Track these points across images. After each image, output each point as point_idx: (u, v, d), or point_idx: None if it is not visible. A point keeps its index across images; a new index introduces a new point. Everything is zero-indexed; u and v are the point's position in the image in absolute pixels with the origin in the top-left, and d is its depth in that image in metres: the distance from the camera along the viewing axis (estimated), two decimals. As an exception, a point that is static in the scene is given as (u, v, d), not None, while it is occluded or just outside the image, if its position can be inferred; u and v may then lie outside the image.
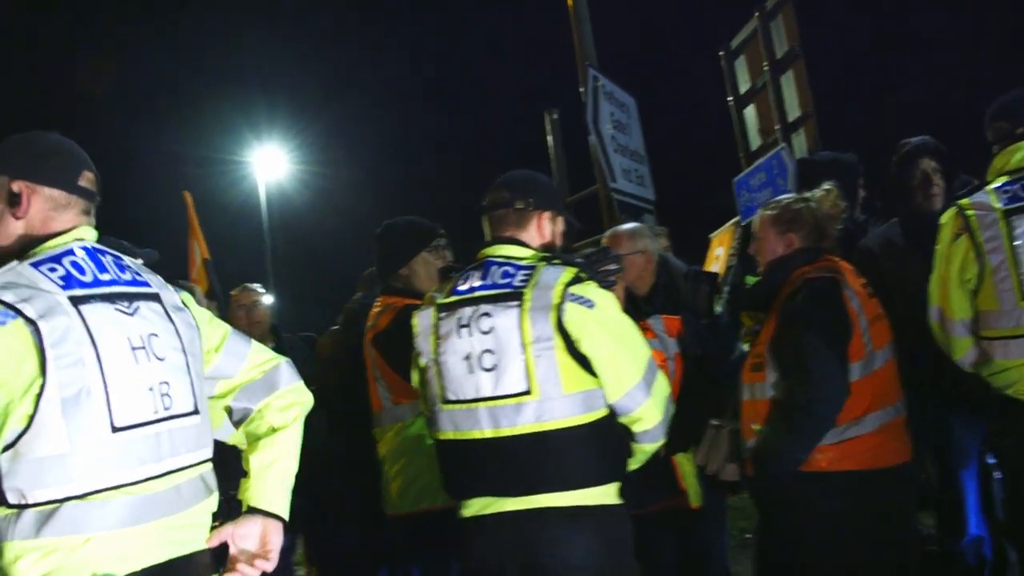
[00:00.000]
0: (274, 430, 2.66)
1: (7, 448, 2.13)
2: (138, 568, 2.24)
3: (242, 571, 2.51)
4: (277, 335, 6.08)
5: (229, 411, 2.69)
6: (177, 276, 5.45)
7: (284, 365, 2.76)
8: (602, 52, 9.18)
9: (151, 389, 2.32)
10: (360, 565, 5.11)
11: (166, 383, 2.36)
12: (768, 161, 7.18)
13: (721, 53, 8.68)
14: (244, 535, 2.53)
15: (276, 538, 2.57)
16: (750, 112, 8.51)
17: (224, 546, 2.50)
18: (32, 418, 2.13)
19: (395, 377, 3.88)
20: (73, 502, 2.16)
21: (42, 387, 2.13)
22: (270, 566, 2.54)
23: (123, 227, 4.07)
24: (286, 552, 4.90)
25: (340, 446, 5.09)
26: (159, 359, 2.36)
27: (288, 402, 2.70)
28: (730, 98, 8.69)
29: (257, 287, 6.16)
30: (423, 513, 3.88)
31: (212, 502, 2.50)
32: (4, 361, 2.12)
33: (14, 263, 2.27)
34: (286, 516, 2.62)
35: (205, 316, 2.66)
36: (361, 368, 4.18)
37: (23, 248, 2.35)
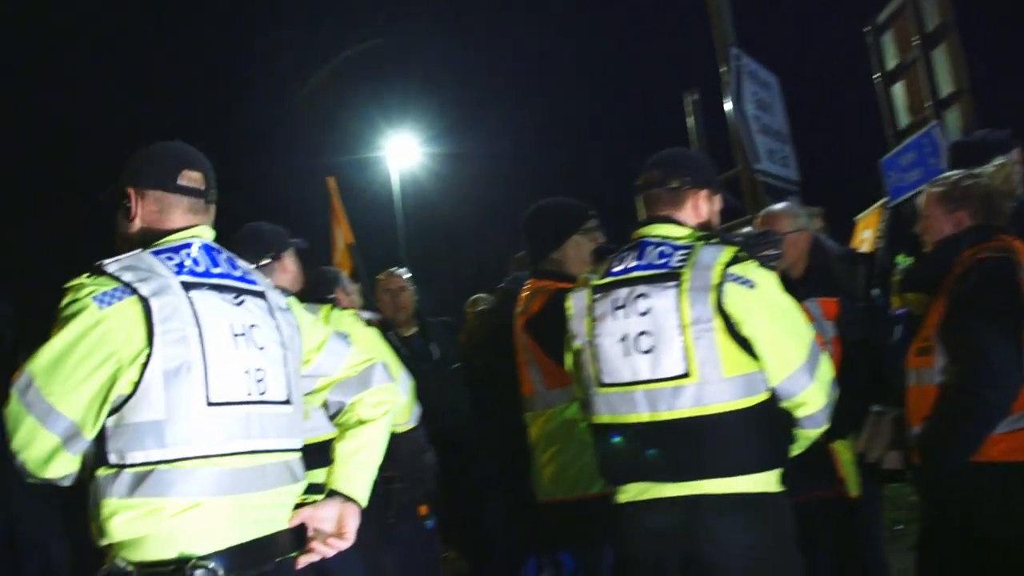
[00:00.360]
0: (362, 422, 2.80)
1: (112, 412, 2.35)
2: (223, 547, 2.38)
3: (318, 549, 2.64)
4: (421, 320, 6.14)
5: (326, 405, 2.86)
6: (322, 262, 5.56)
7: (379, 366, 2.90)
8: (741, 29, 9.01)
9: (247, 372, 2.49)
10: (506, 551, 5.11)
11: (262, 370, 2.53)
12: (918, 140, 6.97)
13: (867, 28, 8.45)
14: (322, 517, 2.65)
15: (352, 521, 2.68)
16: (898, 89, 8.27)
17: (304, 529, 2.63)
18: (137, 385, 2.34)
19: (548, 362, 3.82)
20: (164, 466, 2.33)
21: (148, 357, 2.35)
22: (344, 544, 2.67)
23: (272, 215, 4.17)
24: (432, 534, 4.93)
25: (485, 430, 5.10)
26: (258, 348, 2.54)
27: (379, 399, 2.83)
28: (877, 75, 8.44)
29: (403, 272, 6.23)
30: (577, 500, 3.80)
31: (297, 488, 2.64)
32: (117, 333, 2.34)
33: (138, 250, 2.51)
34: (364, 502, 2.73)
35: (308, 319, 2.84)
36: (511, 351, 4.14)
37: (145, 242, 2.58)
